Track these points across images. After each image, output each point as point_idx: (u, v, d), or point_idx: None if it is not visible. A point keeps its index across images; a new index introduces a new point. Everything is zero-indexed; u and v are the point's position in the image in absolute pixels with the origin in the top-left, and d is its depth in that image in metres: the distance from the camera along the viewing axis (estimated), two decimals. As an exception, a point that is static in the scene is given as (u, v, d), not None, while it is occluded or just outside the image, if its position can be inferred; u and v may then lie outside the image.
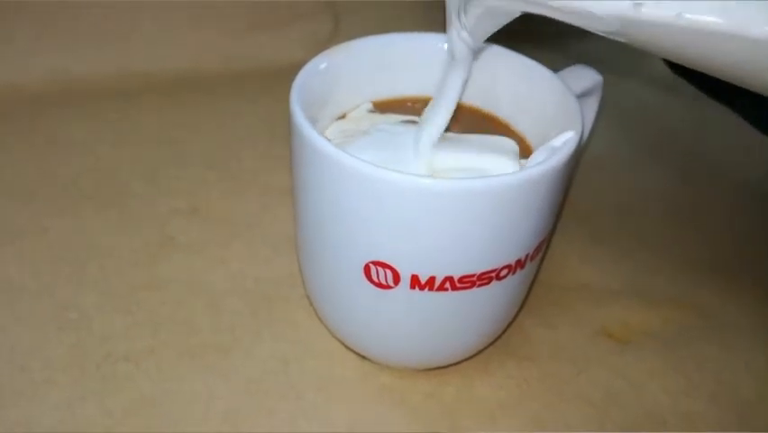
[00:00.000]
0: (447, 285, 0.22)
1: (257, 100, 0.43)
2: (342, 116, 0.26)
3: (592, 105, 0.28)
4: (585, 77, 0.26)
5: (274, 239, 0.33)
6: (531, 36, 0.26)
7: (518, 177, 0.20)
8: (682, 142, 0.43)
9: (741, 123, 0.45)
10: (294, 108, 0.22)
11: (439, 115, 0.24)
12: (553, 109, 0.24)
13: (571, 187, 0.37)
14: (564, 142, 0.21)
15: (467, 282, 0.22)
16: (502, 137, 0.25)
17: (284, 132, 0.28)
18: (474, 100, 0.27)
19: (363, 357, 0.27)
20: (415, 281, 0.22)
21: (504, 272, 0.22)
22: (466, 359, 0.27)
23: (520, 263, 0.22)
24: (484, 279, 0.22)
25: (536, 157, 0.22)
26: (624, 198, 0.38)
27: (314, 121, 0.22)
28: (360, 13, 0.47)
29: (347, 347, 0.28)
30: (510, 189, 0.20)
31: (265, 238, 0.33)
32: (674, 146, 0.43)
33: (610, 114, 0.44)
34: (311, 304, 0.28)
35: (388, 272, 0.22)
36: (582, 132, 0.22)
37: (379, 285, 0.22)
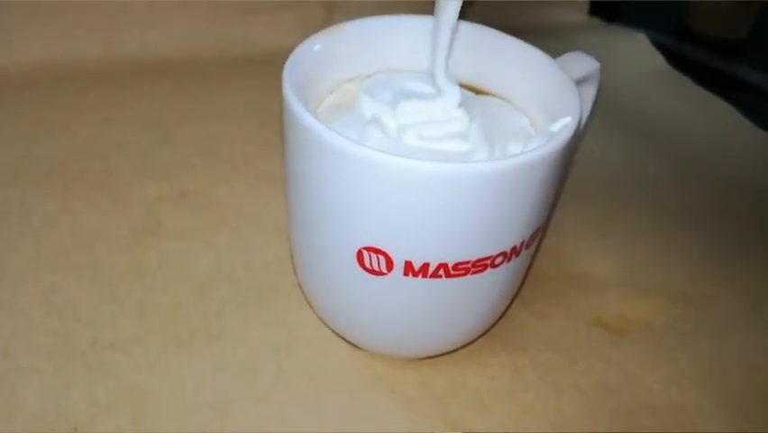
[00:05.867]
0: (441, 272, 0.21)
1: (248, 86, 0.42)
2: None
3: (590, 92, 0.27)
4: (583, 63, 0.26)
5: (264, 227, 0.32)
6: (531, 28, 0.26)
7: (516, 161, 0.19)
8: (680, 136, 0.43)
9: (739, 117, 0.45)
10: (286, 87, 0.21)
11: (441, 45, 0.23)
12: (551, 94, 0.23)
13: (567, 178, 0.37)
14: (562, 127, 0.21)
15: (461, 270, 0.21)
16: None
17: (275, 118, 0.27)
18: (477, 82, 0.27)
19: (355, 346, 0.27)
20: (408, 268, 0.21)
21: (499, 260, 0.22)
22: (458, 349, 0.27)
23: (515, 251, 0.22)
24: (479, 266, 0.22)
25: (534, 142, 0.21)
26: (619, 190, 0.38)
27: (305, 101, 0.21)
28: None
29: (339, 336, 0.27)
30: (508, 174, 0.19)
31: (255, 225, 0.32)
32: (672, 139, 0.42)
33: (608, 107, 0.44)
34: (302, 292, 0.28)
35: (382, 259, 0.21)
36: (581, 117, 0.22)
37: (372, 272, 0.22)
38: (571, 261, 0.32)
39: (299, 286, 0.28)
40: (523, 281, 0.28)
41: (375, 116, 0.23)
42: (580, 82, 0.25)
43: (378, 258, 0.21)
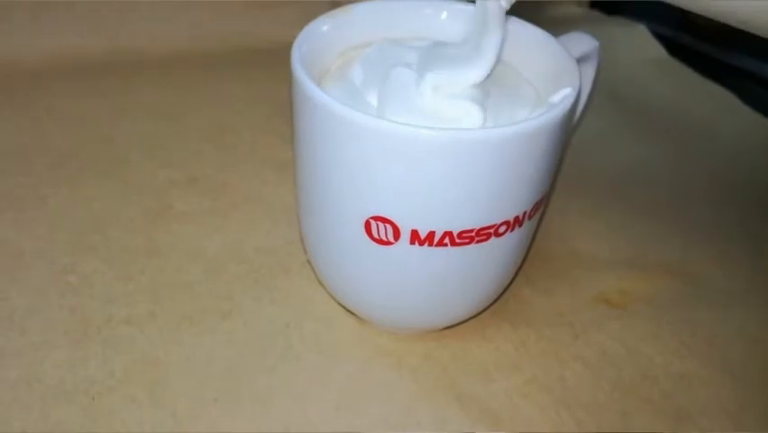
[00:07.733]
0: (446, 240, 0.22)
1: (254, 77, 0.43)
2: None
3: (589, 71, 0.28)
4: (582, 42, 0.27)
5: (272, 210, 0.33)
6: (531, 21, 0.27)
7: (518, 128, 0.20)
8: (680, 121, 0.43)
9: (737, 102, 0.45)
10: (294, 60, 0.22)
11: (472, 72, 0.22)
12: (552, 69, 0.24)
13: (569, 160, 0.37)
14: (563, 97, 0.21)
15: (466, 238, 0.22)
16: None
17: (280, 106, 0.28)
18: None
19: (363, 320, 0.28)
20: (415, 237, 0.22)
21: (502, 229, 0.22)
22: (463, 322, 0.28)
23: (518, 221, 0.23)
24: (483, 235, 0.22)
25: (536, 112, 0.22)
26: (620, 171, 0.38)
27: (312, 74, 0.22)
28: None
29: (347, 310, 0.28)
30: (510, 141, 0.20)
31: (263, 209, 0.33)
32: (673, 124, 0.43)
33: (610, 95, 0.44)
34: (311, 268, 0.29)
35: (389, 228, 0.22)
36: (580, 90, 0.22)
37: (380, 241, 0.22)
38: (574, 240, 0.33)
39: (309, 264, 0.29)
40: (526, 258, 0.28)
41: (364, 90, 0.23)
42: (580, 61, 0.26)
43: (385, 227, 0.22)
